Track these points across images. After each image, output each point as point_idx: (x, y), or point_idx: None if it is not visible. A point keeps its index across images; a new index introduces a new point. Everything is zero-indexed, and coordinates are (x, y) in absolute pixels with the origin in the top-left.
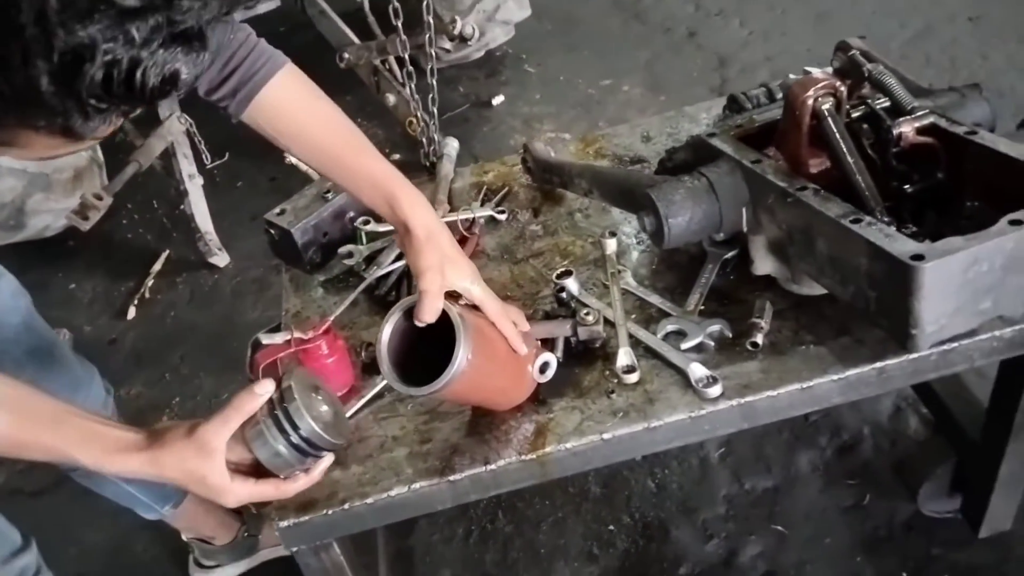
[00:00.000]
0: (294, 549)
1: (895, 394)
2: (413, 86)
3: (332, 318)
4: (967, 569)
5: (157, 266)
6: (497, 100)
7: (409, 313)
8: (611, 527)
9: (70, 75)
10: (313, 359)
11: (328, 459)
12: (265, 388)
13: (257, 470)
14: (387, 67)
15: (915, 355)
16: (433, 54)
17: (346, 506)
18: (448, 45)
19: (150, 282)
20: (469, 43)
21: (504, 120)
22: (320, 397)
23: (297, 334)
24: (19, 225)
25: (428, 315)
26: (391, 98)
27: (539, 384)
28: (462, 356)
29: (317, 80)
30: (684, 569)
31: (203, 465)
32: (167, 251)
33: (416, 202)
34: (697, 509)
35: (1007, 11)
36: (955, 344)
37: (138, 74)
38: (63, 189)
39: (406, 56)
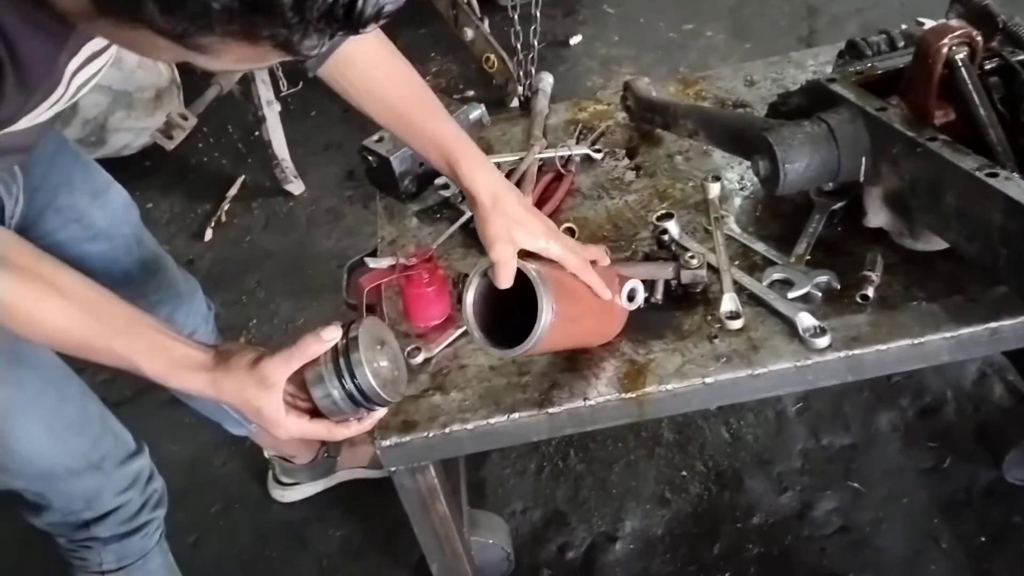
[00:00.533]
0: (392, 469)
1: (981, 360)
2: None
3: (435, 247)
4: None
5: (233, 190)
6: (575, 40)
7: (488, 275)
8: (684, 473)
9: None
10: (415, 286)
11: (381, 412)
12: (331, 334)
13: (313, 408)
14: (466, 1)
15: None
16: None
17: (447, 430)
18: None
19: (226, 206)
20: None
21: (581, 61)
22: (384, 352)
23: (401, 260)
24: (100, 141)
25: (504, 282)
26: (469, 32)
27: (630, 314)
28: (546, 317)
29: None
30: (757, 519)
31: (260, 396)
32: (243, 176)
33: (478, 166)
34: (772, 461)
35: None
36: None
37: (359, 2)
38: (144, 108)
39: None
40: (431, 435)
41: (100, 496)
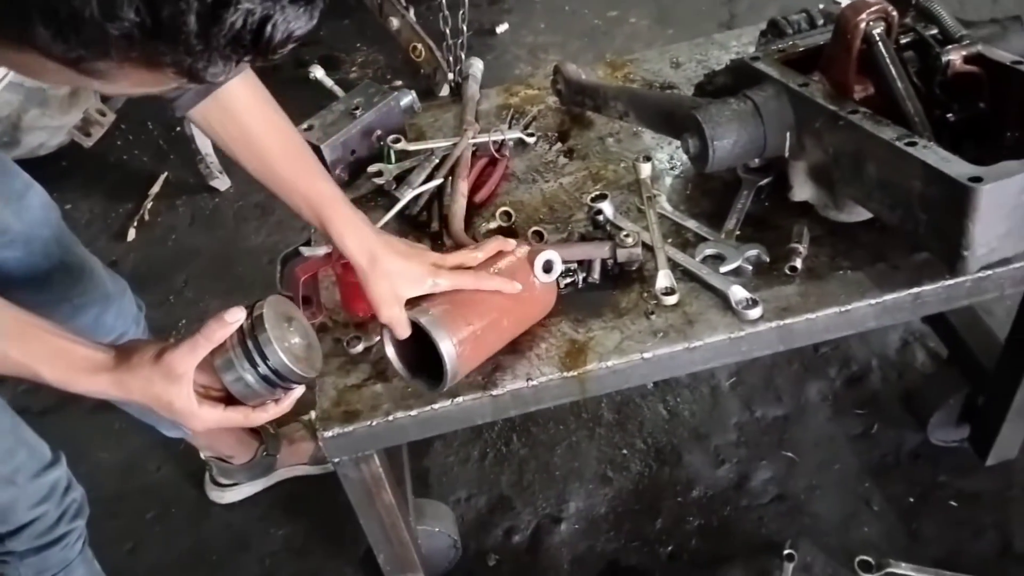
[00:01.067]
0: (336, 460)
1: (903, 328)
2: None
3: None
4: (972, 495)
5: (156, 188)
6: (501, 28)
7: None
8: (624, 451)
9: (213, 18)
10: (352, 274)
11: (299, 391)
12: (235, 316)
13: (227, 396)
14: None
15: (951, 281)
16: None
17: (390, 418)
18: None
19: (149, 204)
20: None
21: (508, 49)
22: (293, 328)
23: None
24: (13, 142)
25: (402, 336)
26: (395, 22)
27: (569, 295)
28: (450, 359)
29: None
30: (696, 492)
31: (169, 390)
32: (165, 173)
33: (350, 226)
34: (709, 435)
35: None
36: (990, 272)
37: (268, 28)
38: (59, 105)
39: None
40: (374, 423)
41: (14, 510)
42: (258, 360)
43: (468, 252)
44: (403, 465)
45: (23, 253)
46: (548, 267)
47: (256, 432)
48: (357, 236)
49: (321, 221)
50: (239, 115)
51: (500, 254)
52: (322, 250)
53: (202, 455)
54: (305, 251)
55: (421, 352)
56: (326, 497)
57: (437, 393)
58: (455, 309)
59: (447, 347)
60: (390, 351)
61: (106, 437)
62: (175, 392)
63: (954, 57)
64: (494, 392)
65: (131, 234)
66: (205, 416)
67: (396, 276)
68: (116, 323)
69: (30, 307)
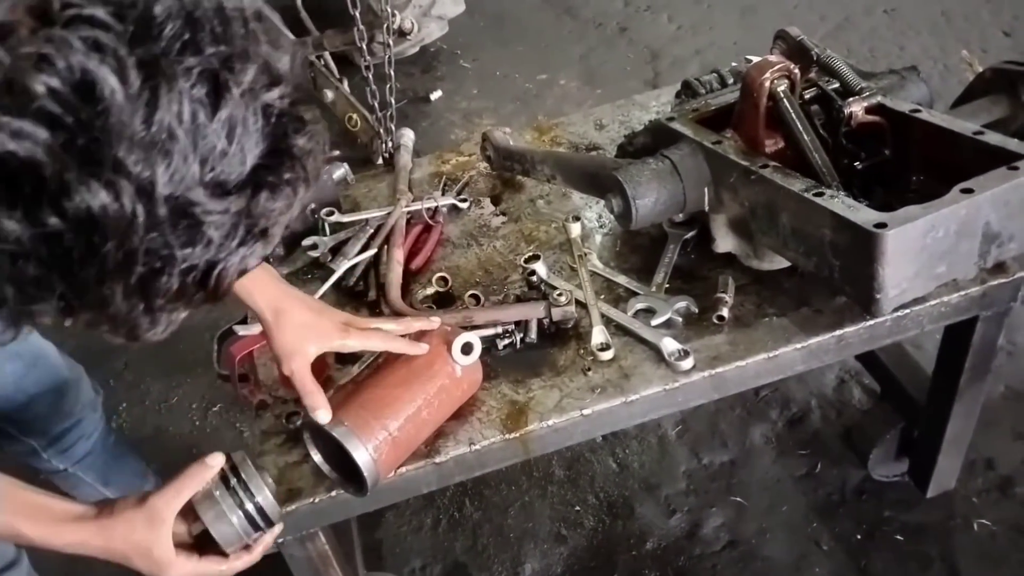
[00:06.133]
0: (280, 540)
1: (838, 367)
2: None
3: None
4: (917, 527)
5: None
6: (435, 95)
7: (316, 426)
8: (577, 508)
9: (144, 290)
10: None
11: (269, 537)
12: (217, 460)
13: (198, 546)
14: (323, 63)
15: (872, 322)
16: (390, 43)
17: (333, 493)
18: (383, 39)
19: None
20: (408, 38)
21: (443, 115)
22: (266, 474)
23: None
24: None
25: (319, 405)
26: (328, 94)
27: (507, 357)
28: (367, 467)
29: None
30: (650, 544)
31: (150, 536)
32: None
33: (257, 282)
34: (659, 486)
35: (919, 3)
36: (908, 311)
37: (214, 276)
38: None
39: (364, 46)
40: (317, 500)
41: None
42: (243, 498)
43: (383, 320)
44: (352, 539)
45: None
46: (467, 349)
47: None
48: (264, 291)
49: None
50: None
51: (425, 333)
52: (257, 328)
53: None
54: (240, 330)
55: (343, 454)
56: None
57: (361, 497)
58: (367, 413)
59: (363, 457)
60: (317, 457)
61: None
62: (155, 538)
63: (856, 109)
64: (437, 459)
65: (68, 320)
66: (182, 566)
67: (302, 329)
68: (73, 408)
69: None
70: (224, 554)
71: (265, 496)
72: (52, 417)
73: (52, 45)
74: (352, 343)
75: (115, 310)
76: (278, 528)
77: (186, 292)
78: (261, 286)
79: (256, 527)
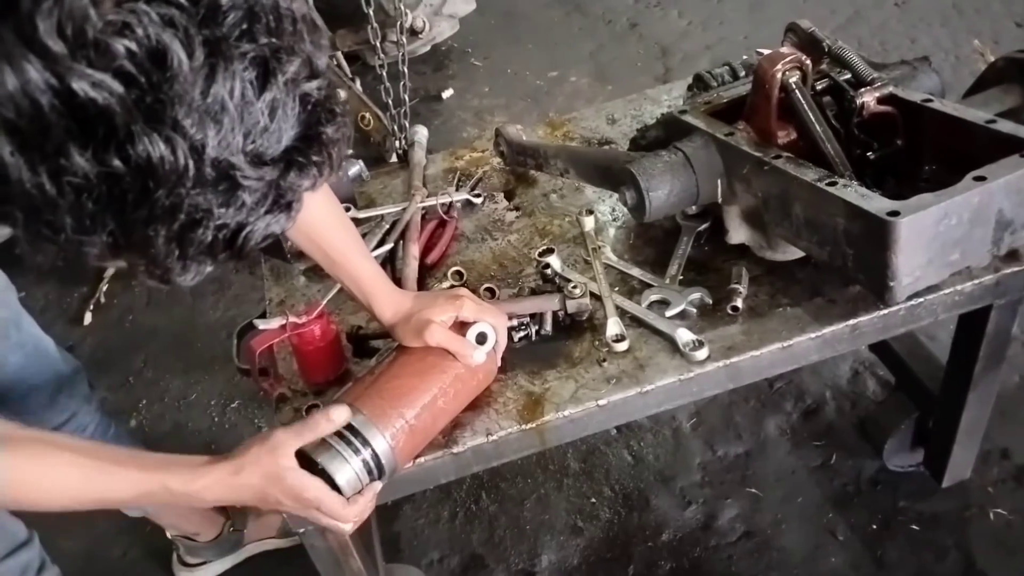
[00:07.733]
0: (300, 530)
1: (852, 358)
2: (395, 84)
3: (324, 302)
4: (932, 517)
5: (111, 270)
6: (447, 94)
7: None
8: (593, 500)
9: (183, 238)
10: (307, 343)
11: (378, 485)
12: (342, 415)
13: None
14: (335, 62)
15: (885, 311)
16: (403, 41)
17: None
18: (395, 38)
19: (104, 287)
20: (420, 36)
21: (455, 113)
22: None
23: (291, 319)
24: None
25: (468, 352)
26: (341, 93)
27: (523, 348)
28: (387, 454)
29: None
30: (666, 535)
31: (280, 463)
32: None
33: (388, 302)
34: (674, 477)
35: None
36: (921, 300)
37: (241, 236)
38: None
39: (377, 44)
40: None
41: None
42: (360, 448)
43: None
44: (372, 530)
45: None
46: (482, 339)
47: (223, 509)
48: (392, 308)
49: (365, 296)
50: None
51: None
52: (276, 322)
53: (168, 534)
54: (260, 324)
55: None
56: (296, 571)
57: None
58: (384, 402)
59: (381, 445)
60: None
61: (69, 523)
62: (284, 465)
63: (868, 99)
64: (455, 450)
65: (87, 318)
66: (318, 488)
67: (426, 311)
68: (68, 403)
69: None
70: None
71: (384, 446)
72: (49, 410)
73: (135, 16)
74: (467, 311)
75: (155, 252)
76: (379, 485)
77: (216, 248)
78: (391, 303)
79: (371, 476)
